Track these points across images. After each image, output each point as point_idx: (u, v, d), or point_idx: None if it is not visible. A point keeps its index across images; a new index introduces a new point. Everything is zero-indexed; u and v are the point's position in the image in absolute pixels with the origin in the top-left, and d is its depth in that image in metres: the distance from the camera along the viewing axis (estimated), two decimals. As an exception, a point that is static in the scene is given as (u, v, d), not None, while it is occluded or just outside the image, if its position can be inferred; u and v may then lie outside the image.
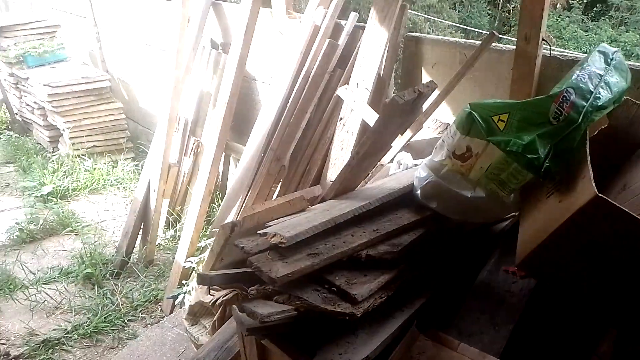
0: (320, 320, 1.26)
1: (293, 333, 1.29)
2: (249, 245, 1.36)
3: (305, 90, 2.72)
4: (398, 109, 1.41)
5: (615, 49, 1.47)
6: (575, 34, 9.93)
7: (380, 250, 1.38)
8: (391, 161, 2.01)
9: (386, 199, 1.55)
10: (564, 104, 1.30)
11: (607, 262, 1.13)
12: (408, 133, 2.08)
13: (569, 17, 10.74)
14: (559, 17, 10.53)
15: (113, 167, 4.78)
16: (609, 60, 1.42)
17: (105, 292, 3.24)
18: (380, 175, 1.95)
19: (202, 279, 1.40)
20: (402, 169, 1.89)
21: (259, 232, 1.36)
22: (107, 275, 3.41)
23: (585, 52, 1.49)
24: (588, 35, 9.92)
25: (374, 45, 2.40)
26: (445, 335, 1.26)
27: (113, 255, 3.59)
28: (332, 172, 2.47)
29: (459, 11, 10.92)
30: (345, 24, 2.70)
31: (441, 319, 1.36)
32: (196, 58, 3.56)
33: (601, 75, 1.37)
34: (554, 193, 1.25)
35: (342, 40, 2.69)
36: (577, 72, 1.37)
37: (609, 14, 10.77)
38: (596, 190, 1.06)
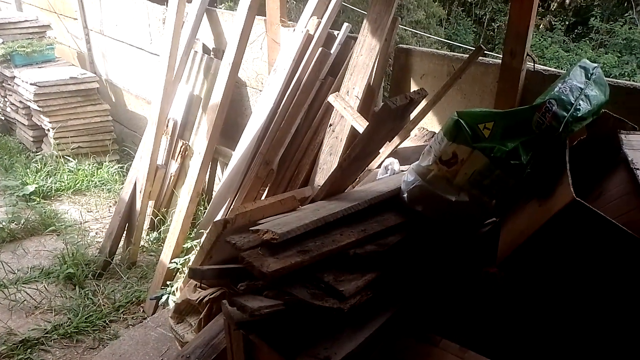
0: (308, 315, 1.29)
1: (280, 328, 1.32)
2: (241, 242, 1.39)
3: (296, 97, 2.77)
4: (389, 114, 1.47)
5: (596, 64, 1.56)
6: (557, 54, 10.23)
7: (368, 249, 1.42)
8: (379, 167, 2.06)
9: (374, 201, 1.59)
10: (546, 114, 1.37)
11: (583, 264, 1.20)
12: (396, 140, 2.14)
13: (551, 37, 11.07)
14: (541, 37, 10.84)
15: (97, 169, 4.75)
16: (590, 75, 1.50)
17: (86, 292, 3.22)
18: (368, 179, 2.00)
19: (193, 273, 1.42)
20: (389, 174, 1.94)
21: (251, 228, 1.39)
22: (89, 275, 3.38)
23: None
24: (569, 55, 10.23)
25: (365, 55, 2.47)
26: (427, 332, 1.30)
27: (95, 256, 3.57)
28: (320, 177, 2.52)
29: (445, 28, 11.16)
30: (338, 34, 2.77)
31: (424, 318, 1.41)
32: (188, 62, 3.59)
33: (581, 89, 1.45)
34: (534, 198, 1.32)
35: (334, 49, 2.75)
36: (560, 84, 1.45)
37: (590, 36, 11.14)
38: (574, 195, 1.12)
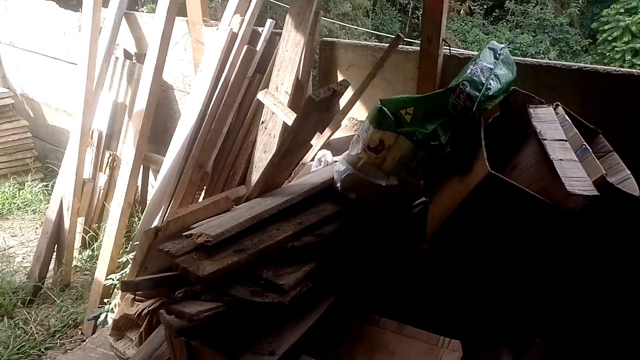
0: (250, 313, 1.28)
1: (223, 330, 1.30)
2: (174, 248, 1.35)
3: (225, 96, 2.73)
4: (314, 106, 1.48)
5: (503, 45, 1.65)
6: (478, 37, 10.77)
7: (305, 241, 1.44)
8: (312, 159, 2.07)
9: (309, 193, 1.60)
10: (460, 96, 1.44)
11: (504, 232, 1.27)
12: (327, 132, 2.16)
13: (471, 21, 11.62)
14: (462, 22, 11.34)
15: (19, 190, 4.45)
16: (498, 55, 1.59)
17: (16, 322, 3.01)
18: (302, 173, 2.01)
19: (127, 286, 1.37)
20: (322, 165, 1.96)
21: (184, 234, 1.36)
22: (19, 303, 3.17)
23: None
24: (489, 37, 10.80)
25: (291, 50, 2.47)
26: (367, 313, 1.33)
27: (24, 282, 3.34)
28: (256, 175, 2.50)
29: (372, 19, 11.41)
30: (262, 31, 2.75)
31: (364, 300, 1.44)
32: (109, 69, 3.43)
33: (491, 69, 1.53)
34: (456, 175, 1.38)
35: (260, 46, 2.73)
36: (471, 66, 1.52)
37: (506, 18, 11.79)
38: (489, 168, 1.19)
